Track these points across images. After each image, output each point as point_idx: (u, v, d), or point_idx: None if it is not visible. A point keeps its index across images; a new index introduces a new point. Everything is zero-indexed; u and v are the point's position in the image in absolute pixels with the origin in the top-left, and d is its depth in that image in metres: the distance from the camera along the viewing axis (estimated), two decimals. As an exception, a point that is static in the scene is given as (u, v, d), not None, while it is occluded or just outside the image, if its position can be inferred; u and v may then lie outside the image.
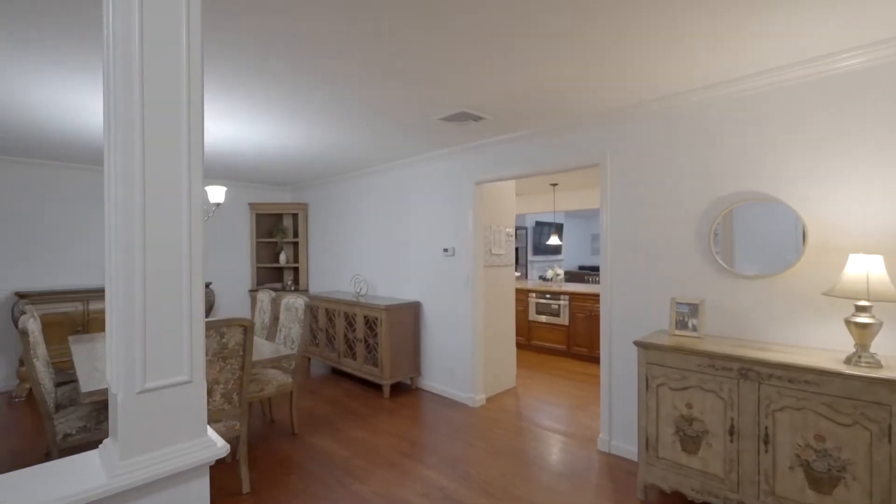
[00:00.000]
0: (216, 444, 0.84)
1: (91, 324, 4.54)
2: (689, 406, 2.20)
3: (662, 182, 2.74)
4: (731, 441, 2.07)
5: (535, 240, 10.39)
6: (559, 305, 5.64)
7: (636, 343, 2.37)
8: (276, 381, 3.16)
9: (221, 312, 5.89)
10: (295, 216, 6.33)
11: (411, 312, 4.34)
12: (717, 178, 2.52)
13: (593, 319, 5.31)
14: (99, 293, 4.57)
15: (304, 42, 1.97)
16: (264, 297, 3.94)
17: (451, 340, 4.09)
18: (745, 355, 2.03)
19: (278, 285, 6.25)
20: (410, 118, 3.08)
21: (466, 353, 3.95)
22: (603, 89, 2.55)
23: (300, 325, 3.32)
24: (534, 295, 5.92)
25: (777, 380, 1.93)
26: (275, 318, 4.17)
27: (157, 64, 0.80)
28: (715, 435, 2.12)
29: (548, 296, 5.76)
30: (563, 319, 5.59)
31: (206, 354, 2.22)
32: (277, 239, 6.16)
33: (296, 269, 6.36)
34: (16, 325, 4.19)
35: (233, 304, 6.02)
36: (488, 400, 4.03)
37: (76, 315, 4.48)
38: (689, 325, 2.45)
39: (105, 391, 2.14)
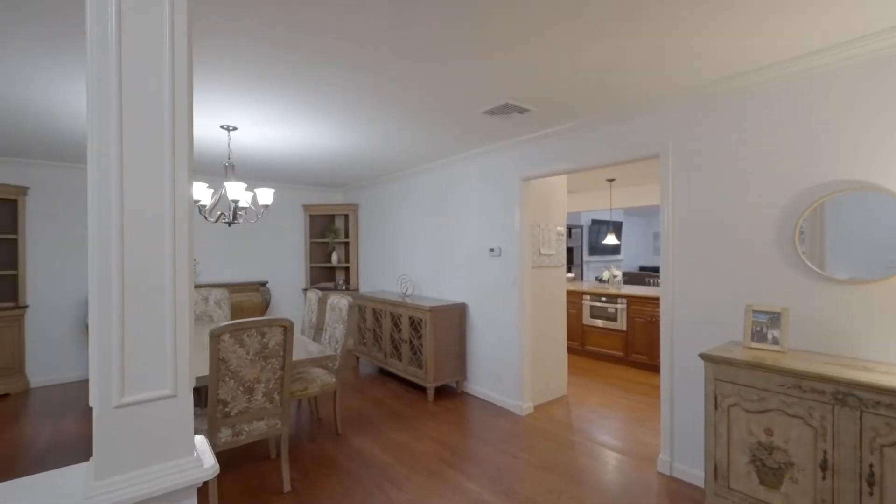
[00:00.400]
0: (202, 465, 0.78)
1: (161, 319, 4.90)
2: (769, 432, 1.89)
3: (736, 172, 2.40)
4: (824, 478, 1.74)
5: (590, 239, 9.89)
6: (616, 309, 5.26)
7: (703, 356, 2.09)
8: (319, 381, 3.19)
9: (278, 310, 6.14)
10: (346, 217, 6.46)
11: (456, 314, 4.23)
12: (806, 166, 2.16)
13: (654, 325, 4.89)
14: (168, 290, 4.92)
15: (356, 39, 1.92)
16: (312, 296, 4.01)
17: (498, 344, 3.93)
18: (841, 376, 1.70)
19: (330, 284, 6.41)
20: (452, 113, 2.97)
21: (513, 358, 3.77)
22: (668, 69, 2.28)
23: (344, 325, 3.33)
24: (588, 298, 5.58)
25: (886, 408, 1.59)
26: (321, 318, 4.24)
27: (137, 60, 0.75)
28: (802, 469, 1.80)
29: (603, 299, 5.41)
30: (621, 324, 5.21)
31: (248, 354, 2.25)
32: (329, 239, 6.31)
33: (347, 269, 6.49)
34: (99, 319, 4.61)
35: (288, 302, 6.25)
36: (536, 408, 3.82)
37: (149, 310, 4.84)
38: (769, 336, 2.11)
39: (156, 386, 2.23)
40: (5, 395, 4.21)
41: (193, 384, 0.81)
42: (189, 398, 0.78)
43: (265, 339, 2.36)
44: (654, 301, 4.90)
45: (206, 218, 3.13)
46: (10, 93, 2.56)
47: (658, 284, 7.60)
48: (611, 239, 6.48)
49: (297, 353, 2.84)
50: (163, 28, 0.77)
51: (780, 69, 2.20)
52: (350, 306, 3.31)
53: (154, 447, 0.74)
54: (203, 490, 2.52)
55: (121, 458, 0.71)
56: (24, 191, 4.48)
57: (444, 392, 4.25)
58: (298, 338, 3.35)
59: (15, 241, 4.43)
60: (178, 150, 0.79)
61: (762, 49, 2.05)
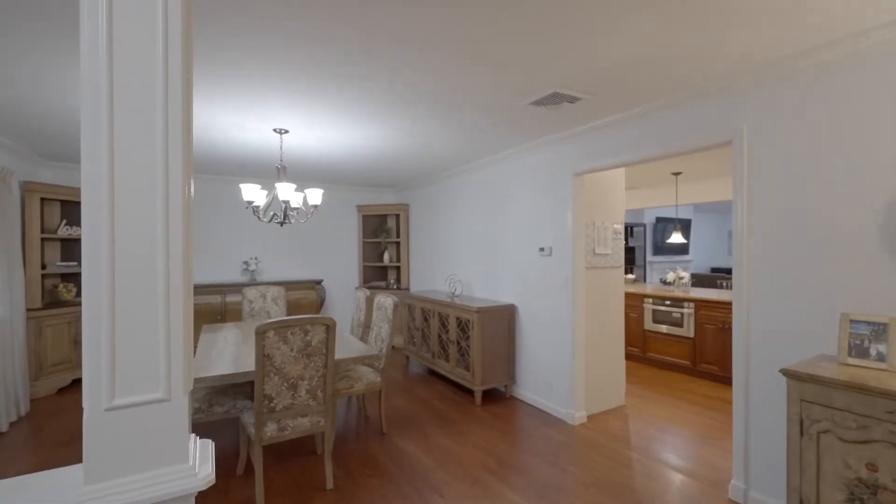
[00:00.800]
0: (196, 475, 0.74)
1: (228, 314, 5.22)
2: (873, 468, 1.58)
3: (829, 158, 2.06)
4: (949, 529, 1.41)
5: (655, 238, 9.23)
6: (682, 314, 4.83)
7: (785, 372, 1.80)
8: (365, 379, 3.20)
9: (332, 308, 6.34)
10: (397, 217, 6.52)
11: (505, 316, 4.08)
12: (921, 148, 1.79)
13: (727, 333, 4.42)
14: (232, 287, 5.22)
15: (405, 35, 1.87)
16: (360, 295, 4.05)
17: (549, 348, 3.73)
18: (974, 405, 1.37)
19: (382, 283, 6.50)
20: (497, 107, 2.84)
21: (565, 363, 3.56)
22: (745, 40, 2.00)
23: (389, 325, 3.32)
24: (650, 301, 5.18)
25: None
26: (369, 316, 4.28)
27: (128, 56, 0.73)
28: (917, 515, 1.48)
29: (668, 302, 4.98)
30: (687, 330, 4.77)
31: (292, 351, 2.28)
32: (381, 239, 6.41)
33: (398, 269, 6.56)
34: (173, 313, 5.01)
35: (342, 300, 6.43)
36: (590, 418, 3.57)
37: (217, 305, 5.18)
38: (872, 352, 1.77)
39: (210, 378, 2.33)
40: (77, 380, 4.66)
41: (190, 388, 0.78)
42: (183, 403, 0.76)
43: (308, 337, 2.38)
44: (728, 306, 4.43)
45: (259, 218, 3.26)
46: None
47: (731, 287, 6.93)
48: (677, 237, 5.98)
49: (341, 352, 2.86)
50: (155, 23, 0.75)
51: (881, 34, 1.84)
52: (395, 305, 3.29)
53: (146, 453, 0.72)
54: (251, 480, 2.61)
55: (111, 463, 0.69)
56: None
57: (491, 396, 4.12)
58: (344, 336, 3.39)
59: (79, 241, 4.93)
60: (172, 149, 0.76)
61: (876, 3, 1.73)
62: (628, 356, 5.41)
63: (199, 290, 5.13)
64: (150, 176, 0.75)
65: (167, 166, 0.77)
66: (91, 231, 0.73)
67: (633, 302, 5.36)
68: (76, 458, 2.96)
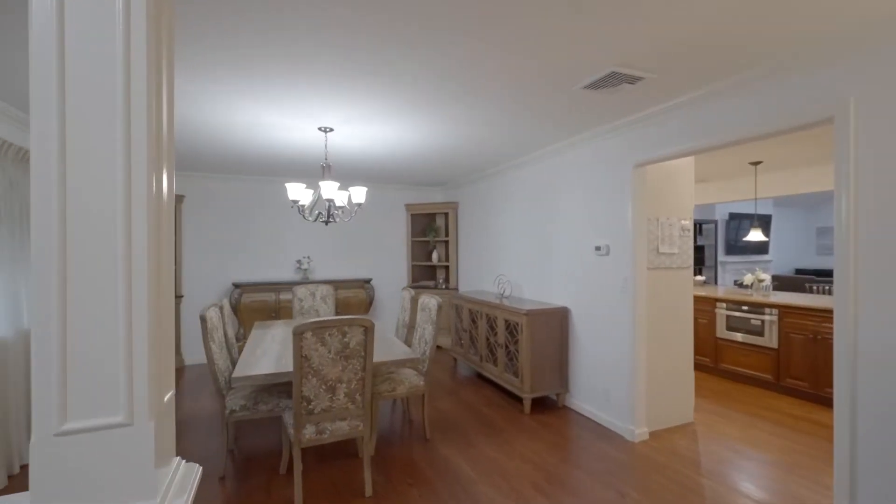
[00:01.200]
0: None
1: (281, 311, 5.38)
2: None
3: (968, 134, 1.64)
4: None
5: (728, 236, 8.40)
6: (763, 321, 4.28)
7: (911, 401, 1.43)
8: (408, 382, 3.10)
9: (381, 307, 6.36)
10: (446, 215, 6.41)
11: (557, 319, 3.82)
12: None
13: (820, 344, 3.84)
14: (286, 285, 5.36)
15: (451, 20, 1.75)
16: (405, 295, 3.98)
17: (606, 355, 3.43)
18: None
19: (431, 283, 6.42)
20: (546, 93, 2.62)
21: (624, 373, 3.24)
22: (841, -2, 1.64)
23: (433, 326, 3.19)
24: (724, 306, 4.65)
25: None
26: (414, 317, 4.20)
27: (82, 44, 0.64)
28: None
29: (745, 308, 4.44)
30: (769, 340, 4.22)
31: (329, 352, 2.22)
32: (430, 238, 6.33)
33: (447, 268, 6.45)
34: (233, 308, 5.24)
35: (391, 299, 6.43)
36: (653, 435, 3.23)
37: (271, 303, 5.36)
38: None
39: (252, 377, 2.33)
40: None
41: (159, 409, 0.68)
42: (148, 429, 0.65)
43: (346, 339, 2.31)
44: (821, 314, 3.85)
45: (304, 217, 3.27)
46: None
47: (825, 291, 6.09)
48: (755, 235, 5.34)
49: (381, 354, 2.77)
50: (114, 9, 0.66)
51: None
52: (439, 306, 3.17)
53: (104, 485, 0.63)
54: (289, 481, 2.59)
55: (62, 496, 0.61)
56: (181, 199, 5.30)
57: (542, 404, 3.88)
58: (387, 338, 3.31)
59: (174, 241, 5.25)
60: (136, 140, 0.67)
61: None
62: (697, 367, 4.91)
63: (254, 287, 5.33)
64: (109, 171, 0.66)
65: (129, 160, 0.67)
66: (40, 223, 0.65)
67: (704, 307, 4.84)
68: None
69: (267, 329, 3.70)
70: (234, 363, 3.22)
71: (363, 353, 2.37)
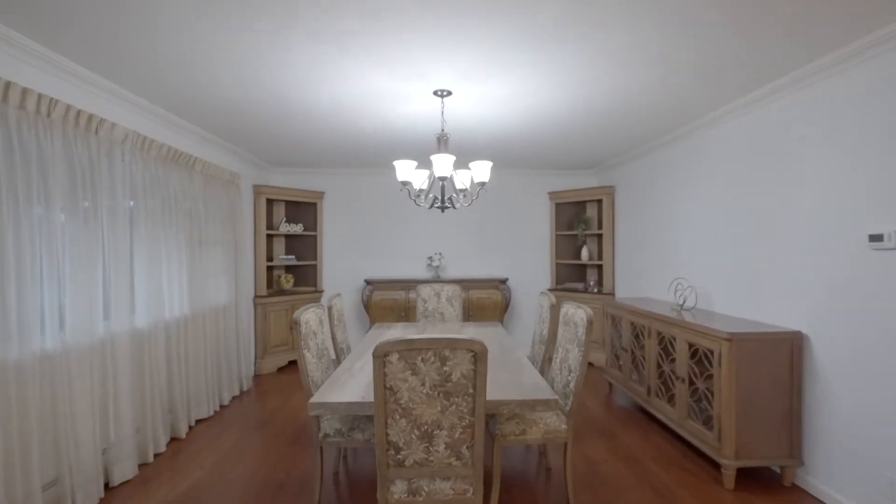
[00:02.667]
0: None
1: (409, 311, 5.04)
2: None
3: None
4: None
5: None
6: None
7: None
8: (543, 424, 2.25)
9: (517, 312, 5.55)
10: (599, 203, 5.26)
11: (782, 349, 2.47)
12: None
13: None
14: (416, 283, 4.99)
15: None
16: (543, 302, 3.10)
17: (885, 414, 2.00)
18: None
19: (579, 285, 5.36)
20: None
21: (940, 465, 1.79)
22: None
23: (580, 350, 2.26)
24: None
25: None
26: (554, 331, 3.29)
27: None
28: None
29: None
30: None
31: (423, 386, 1.55)
32: (578, 231, 5.26)
33: (599, 267, 5.29)
34: (364, 306, 5.11)
35: (530, 302, 5.58)
36: None
37: (401, 302, 5.06)
38: None
39: (329, 405, 1.81)
40: (293, 361, 5.05)
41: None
42: None
43: (446, 368, 1.60)
44: None
45: (415, 202, 2.70)
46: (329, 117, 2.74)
47: None
48: None
49: (504, 386, 1.99)
50: None
51: None
52: (589, 321, 2.22)
53: None
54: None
55: None
56: (321, 195, 5.41)
57: (754, 478, 2.57)
58: (514, 359, 2.51)
59: (315, 238, 5.39)
60: None
61: None
62: None
63: (385, 285, 5.10)
64: None
65: None
66: None
67: None
68: (261, 441, 2.98)
69: (382, 333, 3.27)
70: (341, 372, 2.83)
71: (471, 390, 1.63)
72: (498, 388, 1.97)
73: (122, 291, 2.60)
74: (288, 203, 5.38)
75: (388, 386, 1.60)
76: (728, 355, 2.45)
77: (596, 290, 5.12)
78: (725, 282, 3.12)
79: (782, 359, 2.46)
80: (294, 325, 2.22)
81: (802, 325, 2.47)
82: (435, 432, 1.65)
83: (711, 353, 2.58)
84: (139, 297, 2.80)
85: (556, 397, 1.86)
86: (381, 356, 1.57)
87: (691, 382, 2.80)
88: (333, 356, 3.61)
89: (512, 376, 2.15)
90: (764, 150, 2.76)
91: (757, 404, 2.45)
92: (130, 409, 2.62)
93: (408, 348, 1.57)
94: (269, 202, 5.13)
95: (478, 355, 1.60)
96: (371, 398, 1.81)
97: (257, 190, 4.80)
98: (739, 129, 2.97)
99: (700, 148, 3.42)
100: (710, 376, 2.63)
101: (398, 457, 1.66)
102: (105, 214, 2.49)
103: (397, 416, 1.62)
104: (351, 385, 2.02)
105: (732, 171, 3.05)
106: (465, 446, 1.67)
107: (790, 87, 2.49)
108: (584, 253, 5.26)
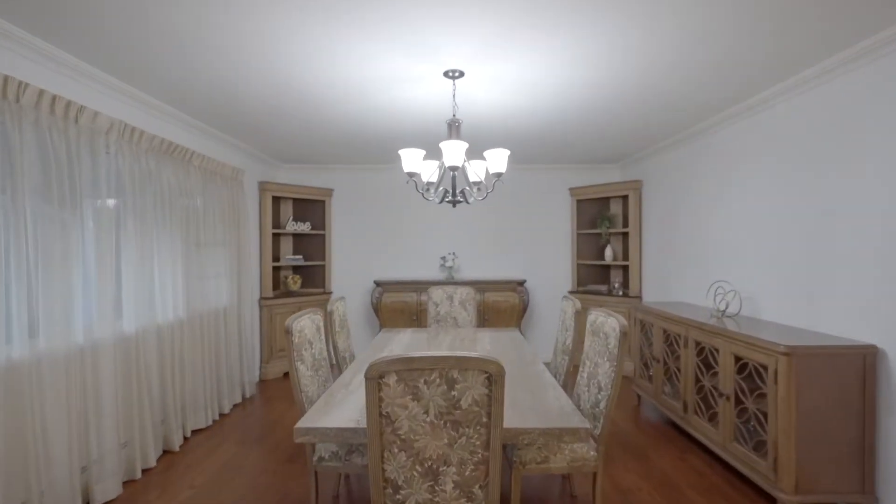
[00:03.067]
0: None
1: (422, 315, 4.77)
2: None
3: None
4: None
5: None
6: None
7: None
8: (568, 451, 1.95)
9: (536, 315, 5.23)
10: (625, 199, 4.89)
11: (853, 366, 2.10)
12: None
13: None
14: (428, 285, 4.71)
15: None
16: (566, 307, 2.79)
17: None
18: None
19: (603, 287, 5.01)
20: None
21: None
22: None
23: (612, 366, 1.95)
24: None
25: None
26: (579, 339, 2.97)
27: None
28: None
29: None
30: None
31: (427, 413, 1.26)
32: (602, 229, 4.90)
33: (625, 268, 4.93)
34: (374, 309, 4.86)
35: (549, 305, 5.24)
36: None
37: (412, 304, 4.80)
38: None
39: (317, 431, 1.54)
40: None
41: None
42: None
43: (454, 392, 1.32)
44: None
45: (424, 196, 2.42)
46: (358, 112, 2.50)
47: None
48: None
49: (524, 410, 1.69)
50: None
51: None
52: (623, 332, 1.91)
53: None
54: None
55: None
56: (329, 192, 5.18)
57: (816, 512, 2.20)
58: (535, 373, 2.20)
59: (323, 237, 5.16)
60: None
61: None
62: None
63: (395, 286, 4.84)
64: None
65: None
66: None
67: None
68: (259, 455, 2.76)
69: (390, 339, 3.00)
70: (342, 384, 2.57)
71: (485, 419, 1.34)
72: (517, 412, 1.67)
73: (106, 294, 2.40)
74: (295, 201, 5.17)
75: (384, 413, 1.32)
76: (787, 372, 2.09)
77: (621, 293, 4.75)
78: (775, 286, 2.75)
79: (852, 377, 2.10)
80: (286, 335, 1.96)
81: (877, 336, 2.10)
82: (441, 469, 1.36)
83: (765, 368, 2.22)
84: (127, 300, 2.59)
85: (587, 425, 1.56)
86: (375, 378, 1.29)
87: (738, 401, 2.45)
88: (335, 363, 3.36)
89: (533, 397, 1.85)
90: (827, 135, 2.38)
91: (821, 430, 2.09)
92: (115, 422, 2.41)
93: (407, 368, 1.29)
94: (276, 200, 4.92)
95: (493, 377, 1.31)
96: (361, 426, 1.54)
97: (263, 187, 4.59)
98: (797, 110, 2.60)
99: (739, 135, 3.05)
100: (763, 395, 2.27)
101: (397, 497, 1.38)
102: (86, 211, 2.28)
103: (395, 450, 1.34)
104: (346, 405, 1.75)
105: (785, 162, 2.68)
106: (477, 485, 1.38)
107: (869, 54, 2.12)
108: (608, 253, 4.90)
